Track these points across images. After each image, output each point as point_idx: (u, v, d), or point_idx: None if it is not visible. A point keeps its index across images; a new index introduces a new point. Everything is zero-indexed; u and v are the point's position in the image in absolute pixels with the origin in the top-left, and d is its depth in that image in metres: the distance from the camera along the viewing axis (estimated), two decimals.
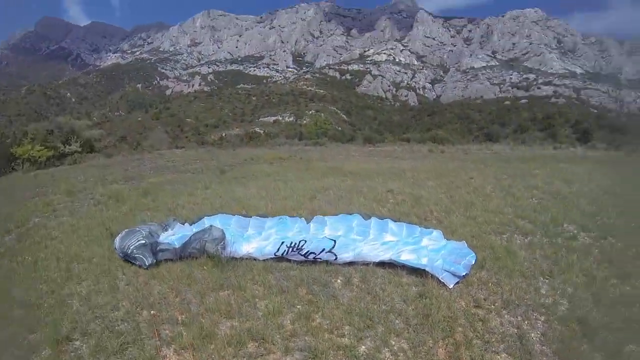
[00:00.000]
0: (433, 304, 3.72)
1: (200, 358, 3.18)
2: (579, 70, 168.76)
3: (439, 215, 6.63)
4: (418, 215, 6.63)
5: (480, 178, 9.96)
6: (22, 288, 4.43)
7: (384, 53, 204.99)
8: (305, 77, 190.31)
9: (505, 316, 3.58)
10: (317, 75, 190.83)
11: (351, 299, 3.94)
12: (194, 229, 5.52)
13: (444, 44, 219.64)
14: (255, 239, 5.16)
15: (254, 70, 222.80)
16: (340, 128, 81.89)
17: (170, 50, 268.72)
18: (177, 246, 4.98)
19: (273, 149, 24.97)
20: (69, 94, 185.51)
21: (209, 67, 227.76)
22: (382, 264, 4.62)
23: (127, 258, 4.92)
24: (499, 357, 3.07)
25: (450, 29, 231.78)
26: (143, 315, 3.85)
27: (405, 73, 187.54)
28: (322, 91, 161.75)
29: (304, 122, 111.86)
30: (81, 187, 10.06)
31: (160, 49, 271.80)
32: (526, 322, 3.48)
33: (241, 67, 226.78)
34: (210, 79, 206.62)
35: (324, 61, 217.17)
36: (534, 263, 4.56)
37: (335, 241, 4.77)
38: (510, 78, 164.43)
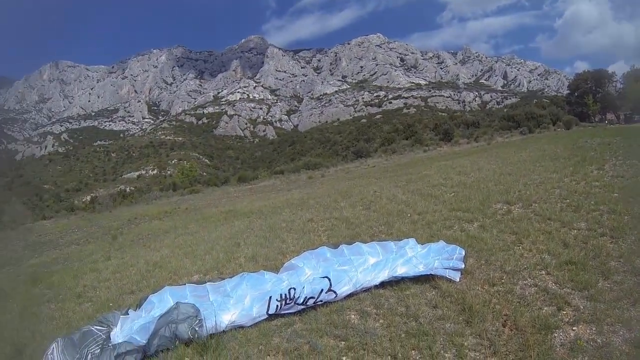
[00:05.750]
0: (462, 298, 3.81)
1: None
2: (423, 82, 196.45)
3: (382, 228, 6.92)
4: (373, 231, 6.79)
5: (385, 189, 10.90)
6: None
7: (238, 92, 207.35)
8: (162, 126, 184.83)
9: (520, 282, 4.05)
10: (174, 122, 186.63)
11: (387, 326, 3.64)
12: (143, 313, 4.27)
13: (296, 76, 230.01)
14: (229, 304, 4.18)
15: (110, 124, 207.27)
16: (204, 173, 79.26)
17: (16, 108, 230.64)
18: (142, 342, 3.68)
19: (151, 204, 23.40)
20: None
21: (61, 125, 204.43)
22: (378, 287, 4.42)
23: None
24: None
25: (300, 61, 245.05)
26: None
27: (261, 108, 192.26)
28: (180, 139, 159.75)
29: (169, 172, 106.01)
30: None
31: (5, 108, 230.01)
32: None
33: (96, 123, 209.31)
34: (64, 138, 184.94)
35: (179, 107, 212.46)
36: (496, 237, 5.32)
37: (329, 278, 4.32)
38: (363, 98, 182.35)
